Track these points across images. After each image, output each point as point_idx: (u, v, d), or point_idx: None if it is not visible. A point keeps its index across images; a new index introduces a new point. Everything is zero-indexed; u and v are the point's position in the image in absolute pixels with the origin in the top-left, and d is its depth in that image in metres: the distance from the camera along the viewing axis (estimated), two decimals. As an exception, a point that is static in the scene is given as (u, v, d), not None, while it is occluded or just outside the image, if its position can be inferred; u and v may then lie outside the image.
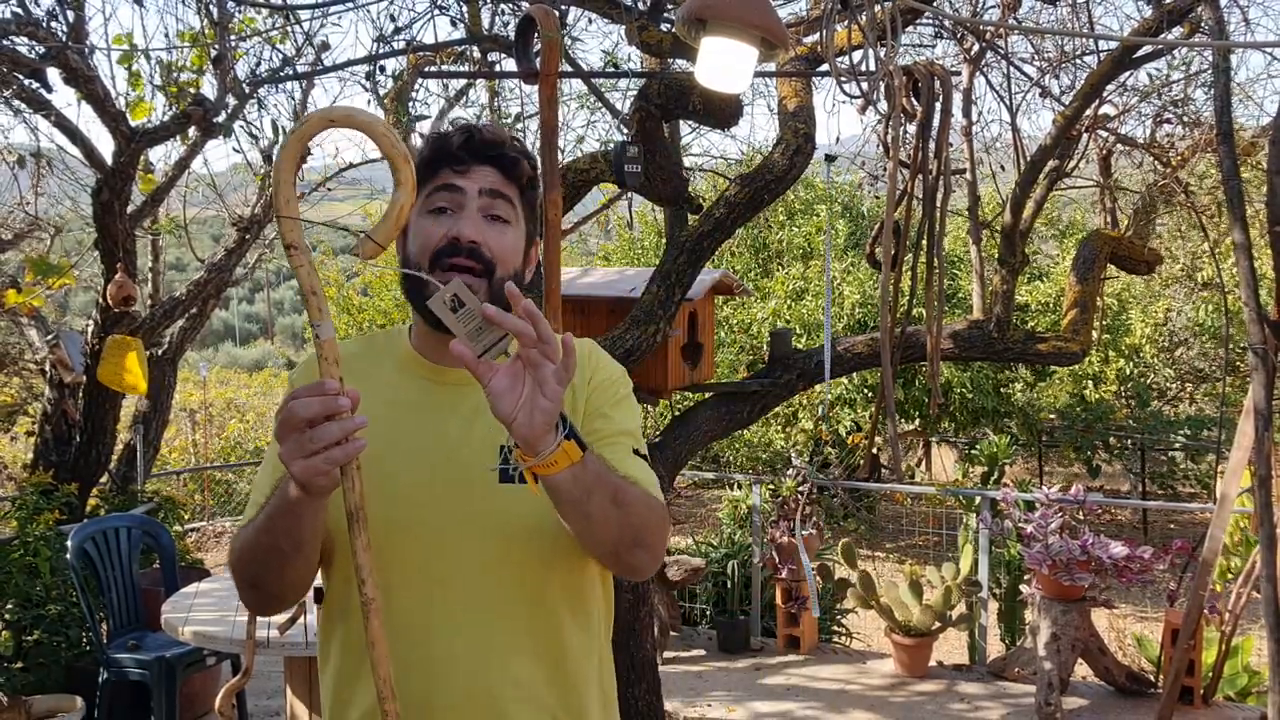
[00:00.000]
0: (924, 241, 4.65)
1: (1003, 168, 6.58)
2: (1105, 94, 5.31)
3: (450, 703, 1.28)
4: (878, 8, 3.58)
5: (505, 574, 1.30)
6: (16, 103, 5.14)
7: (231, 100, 5.28)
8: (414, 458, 1.31)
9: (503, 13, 5.35)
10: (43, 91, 4.96)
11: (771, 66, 5.00)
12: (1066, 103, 5.23)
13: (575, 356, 1.11)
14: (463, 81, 6.46)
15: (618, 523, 1.20)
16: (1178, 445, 11.26)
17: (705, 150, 13.19)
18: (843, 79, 3.84)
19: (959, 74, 5.10)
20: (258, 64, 5.78)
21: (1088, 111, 5.22)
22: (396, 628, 1.27)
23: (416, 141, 6.43)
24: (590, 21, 6.35)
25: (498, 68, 5.46)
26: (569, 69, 4.96)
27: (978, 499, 5.11)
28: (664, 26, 4.41)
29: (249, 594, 1.33)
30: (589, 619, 1.37)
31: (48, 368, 5.53)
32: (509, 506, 1.29)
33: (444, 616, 1.28)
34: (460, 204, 1.31)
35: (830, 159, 5.64)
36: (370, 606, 1.13)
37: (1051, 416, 11.92)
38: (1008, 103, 5.61)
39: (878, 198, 11.02)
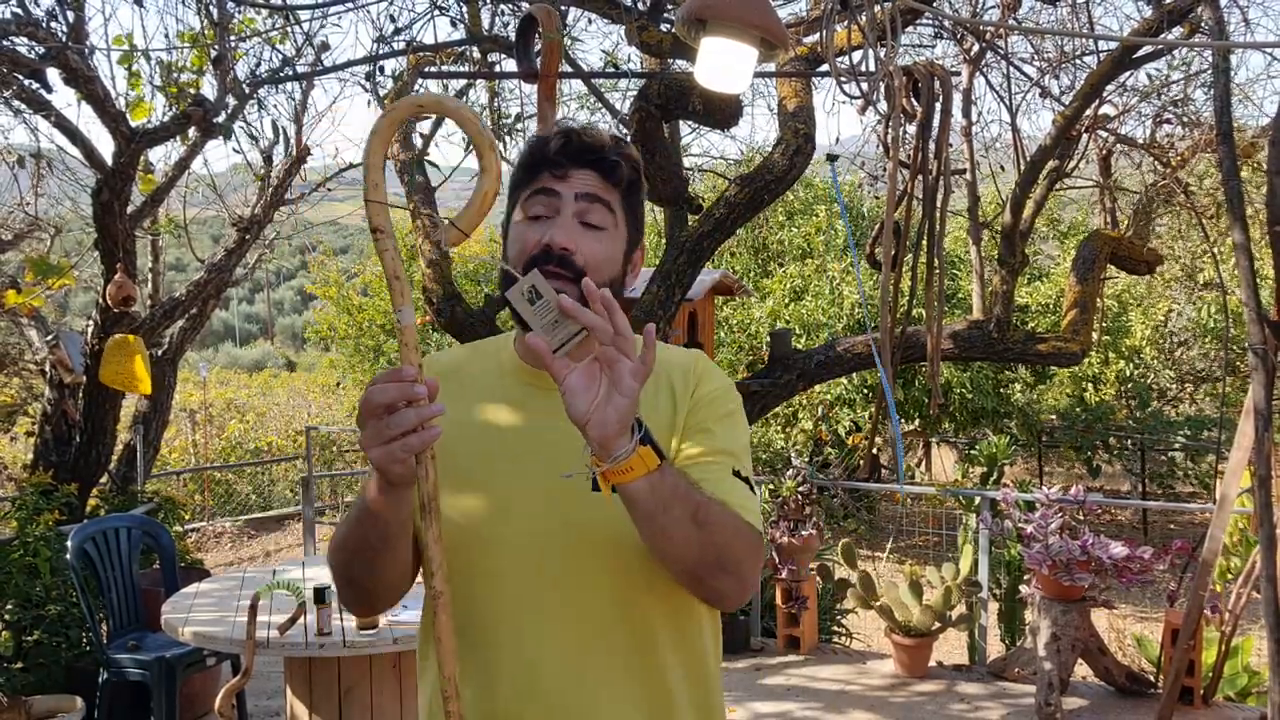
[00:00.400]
0: (924, 241, 4.65)
1: (1003, 168, 6.59)
2: (1105, 94, 5.31)
3: (538, 714, 1.25)
4: (877, 8, 3.58)
5: (598, 588, 1.26)
6: (16, 103, 5.14)
7: (231, 101, 5.28)
8: (510, 463, 1.29)
9: (503, 13, 5.35)
10: (43, 92, 4.96)
11: (771, 67, 5.00)
12: (1066, 103, 5.23)
13: (655, 351, 1.08)
14: (463, 82, 6.46)
15: (698, 543, 1.15)
16: (1178, 445, 11.26)
17: (705, 150, 13.19)
18: (843, 79, 3.83)
19: (959, 74, 5.10)
20: (258, 64, 5.78)
21: (1088, 112, 5.22)
22: (488, 633, 1.26)
23: (416, 141, 6.43)
24: (590, 21, 6.35)
25: (498, 68, 5.46)
26: (569, 69, 4.96)
27: (977, 499, 5.11)
28: (664, 27, 4.41)
29: (346, 591, 1.32)
30: (689, 639, 1.32)
31: (48, 368, 5.53)
32: (603, 517, 1.24)
33: (535, 626, 1.26)
34: (556, 209, 1.27)
35: (833, 159, 5.63)
36: (439, 601, 1.12)
37: (1051, 417, 11.92)
38: (1008, 103, 5.61)
39: (878, 198, 11.02)
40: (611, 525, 1.22)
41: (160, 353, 6.28)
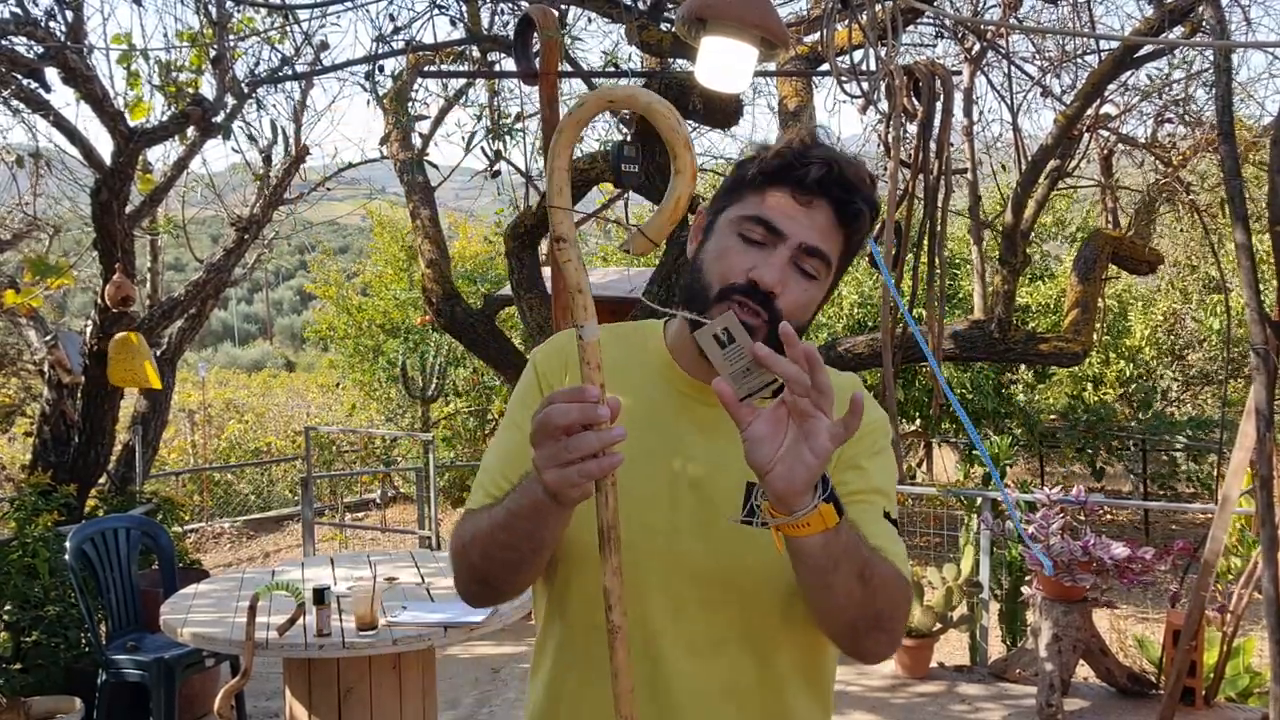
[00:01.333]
0: (925, 241, 4.65)
1: (1004, 167, 6.58)
2: (1106, 93, 5.30)
3: None
4: (878, 7, 3.57)
5: (731, 623, 1.20)
6: (15, 102, 5.13)
7: (230, 100, 5.27)
8: (654, 478, 1.21)
9: (502, 12, 5.34)
10: (41, 91, 4.95)
11: (772, 66, 4.99)
12: (1068, 102, 5.22)
13: (861, 418, 1.01)
14: (462, 81, 6.45)
15: (860, 601, 1.10)
16: (1179, 446, 11.24)
17: (705, 150, 13.15)
18: (843, 78, 3.83)
19: (960, 73, 5.09)
20: (256, 64, 5.77)
21: (1089, 111, 5.21)
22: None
23: (416, 141, 6.42)
24: (590, 21, 6.34)
25: (497, 67, 5.45)
26: (568, 69, 4.95)
27: (979, 500, 5.10)
28: (664, 26, 4.40)
29: (473, 587, 1.26)
30: (819, 685, 1.28)
31: (46, 368, 5.52)
32: (748, 551, 1.18)
33: (666, 653, 1.20)
34: (775, 244, 1.17)
35: None
36: (617, 635, 1.05)
37: (1053, 417, 11.91)
38: (1009, 102, 5.61)
39: (878, 198, 11.00)
40: (751, 558, 1.17)
41: (159, 353, 6.27)
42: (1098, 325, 5.75)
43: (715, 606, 1.20)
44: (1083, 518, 4.63)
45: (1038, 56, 5.94)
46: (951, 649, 5.97)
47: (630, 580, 1.14)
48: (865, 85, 3.83)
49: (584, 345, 1.04)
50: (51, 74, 4.88)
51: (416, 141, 6.39)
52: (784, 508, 1.02)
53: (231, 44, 5.33)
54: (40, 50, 4.74)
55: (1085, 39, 5.42)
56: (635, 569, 1.16)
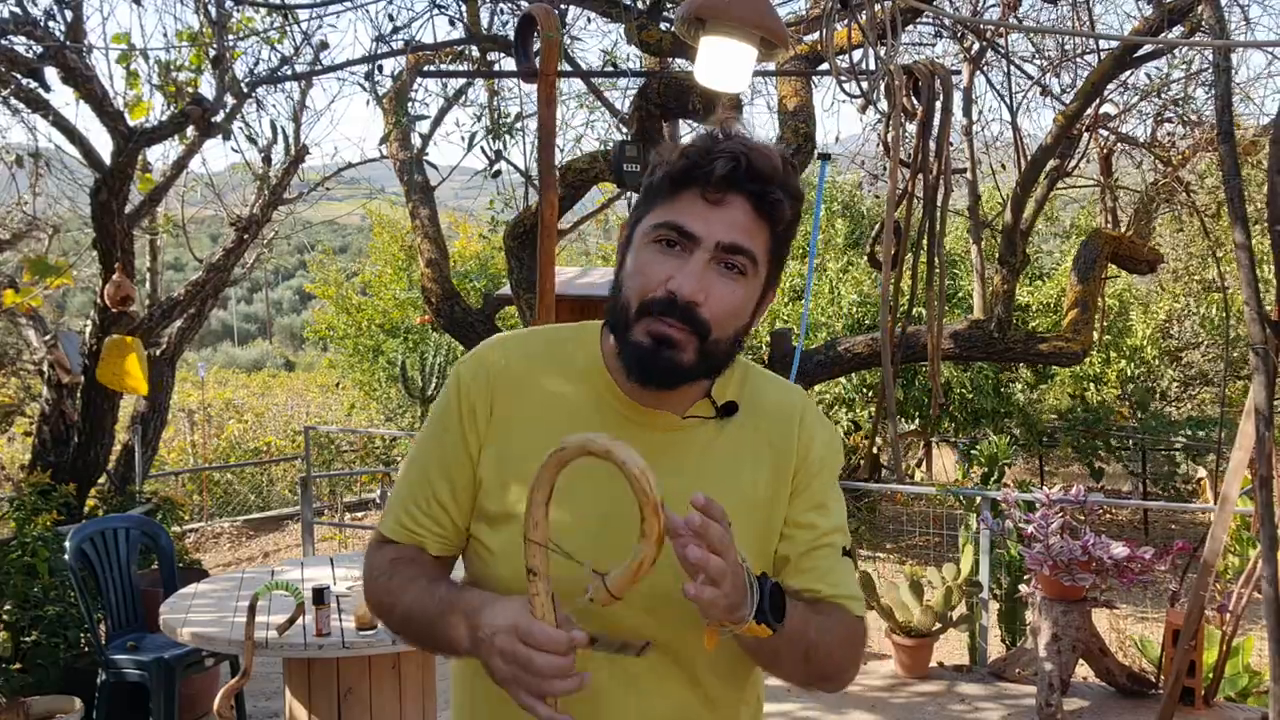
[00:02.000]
0: (924, 241, 4.64)
1: (1003, 167, 6.58)
2: (1106, 93, 5.31)
3: None
4: (878, 7, 3.57)
5: (667, 667, 1.19)
6: (15, 102, 5.13)
7: (230, 100, 5.27)
8: (585, 506, 1.16)
9: (501, 12, 5.34)
10: (41, 91, 4.95)
11: (771, 65, 4.99)
12: (1067, 102, 5.22)
13: (740, 592, 1.01)
14: (462, 81, 6.45)
15: (804, 671, 1.16)
16: (1179, 445, 11.25)
17: (705, 150, 13.16)
18: (843, 78, 3.83)
19: (959, 73, 5.10)
20: (256, 63, 5.77)
21: (1088, 110, 5.21)
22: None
23: (415, 140, 6.42)
24: (589, 21, 6.34)
25: (497, 67, 5.45)
26: (568, 68, 4.95)
27: (978, 499, 5.10)
28: (663, 26, 4.41)
29: (392, 630, 1.28)
30: (743, 683, 1.28)
31: (45, 368, 5.52)
32: (679, 584, 1.14)
33: (604, 687, 1.17)
34: (691, 249, 1.11)
35: (824, 158, 5.62)
36: None
37: (1053, 417, 11.91)
38: (1008, 102, 5.61)
39: (878, 197, 11.01)
40: (683, 605, 1.14)
41: (158, 353, 6.27)
42: (1098, 324, 5.75)
43: (673, 644, 1.18)
44: (1082, 517, 4.63)
45: (1037, 56, 5.95)
46: (951, 649, 5.97)
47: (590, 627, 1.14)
48: (865, 85, 3.83)
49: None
50: (51, 73, 4.88)
51: (416, 141, 6.38)
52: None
53: (231, 44, 5.33)
54: (40, 50, 4.74)
55: (1085, 38, 5.42)
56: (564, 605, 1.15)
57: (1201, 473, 6.85)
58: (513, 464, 1.19)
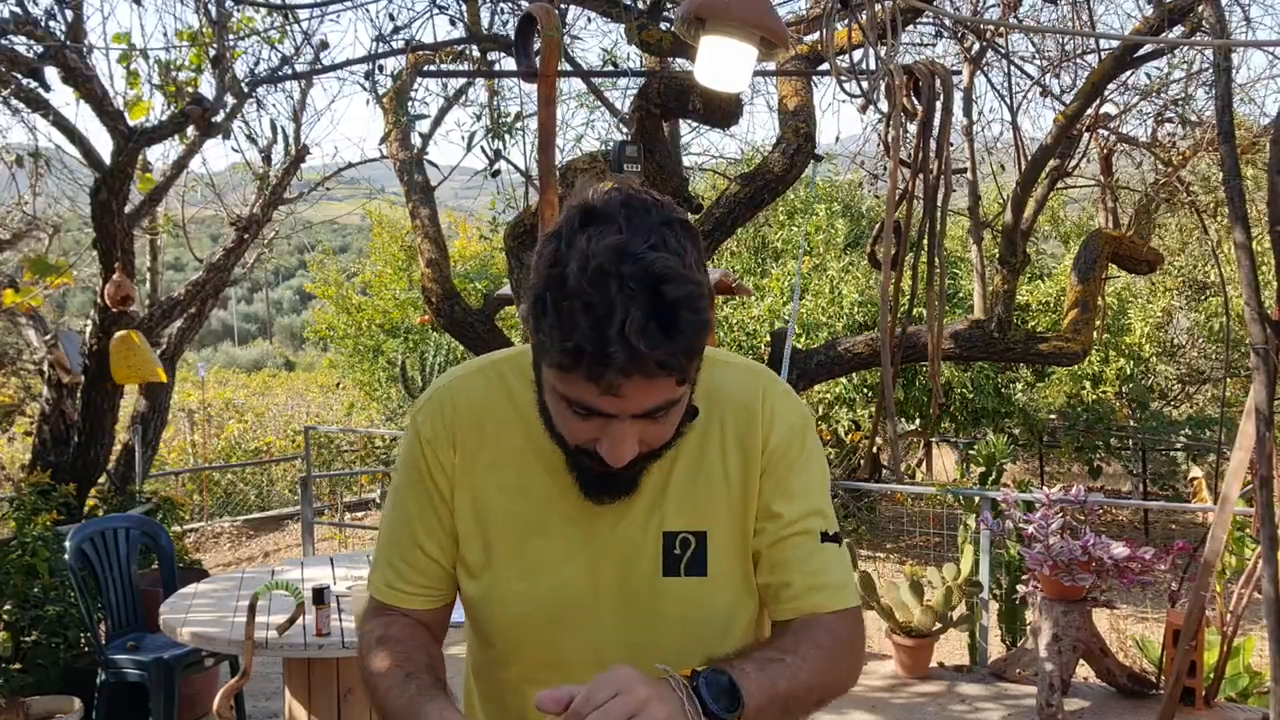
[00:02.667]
0: (924, 241, 4.64)
1: (1003, 167, 6.58)
2: (1106, 93, 5.30)
3: None
4: (878, 6, 3.57)
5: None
6: (15, 102, 5.13)
7: (230, 99, 5.27)
8: (567, 544, 1.16)
9: (502, 11, 5.34)
10: (41, 90, 4.95)
11: (771, 65, 4.99)
12: (1068, 102, 5.22)
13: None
14: (462, 81, 6.45)
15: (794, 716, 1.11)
16: (1179, 446, 11.24)
17: (705, 149, 13.19)
18: (843, 78, 3.82)
19: (960, 73, 5.10)
20: (256, 63, 5.77)
21: (1089, 111, 5.21)
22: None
23: (415, 140, 6.42)
24: (590, 20, 6.34)
25: (497, 67, 5.45)
26: (568, 68, 4.95)
27: (978, 499, 5.10)
28: (663, 25, 4.40)
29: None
30: None
31: (46, 368, 5.52)
32: (671, 604, 1.15)
33: None
34: (608, 418, 1.03)
35: (818, 159, 5.61)
36: None
37: (1052, 416, 11.91)
38: (1009, 102, 5.61)
39: (878, 197, 11.01)
40: (676, 610, 1.16)
41: (159, 352, 6.27)
42: (1097, 324, 5.75)
43: (658, 662, 1.17)
44: (1082, 517, 4.63)
45: (1037, 56, 5.95)
46: (951, 649, 5.97)
47: (561, 658, 1.16)
48: (865, 85, 3.82)
49: None
50: (51, 73, 4.88)
51: (416, 141, 6.38)
52: None
53: (231, 43, 5.33)
54: (40, 49, 4.74)
55: (1085, 38, 5.42)
56: (563, 646, 1.17)
57: (1196, 471, 6.85)
58: (483, 509, 1.19)
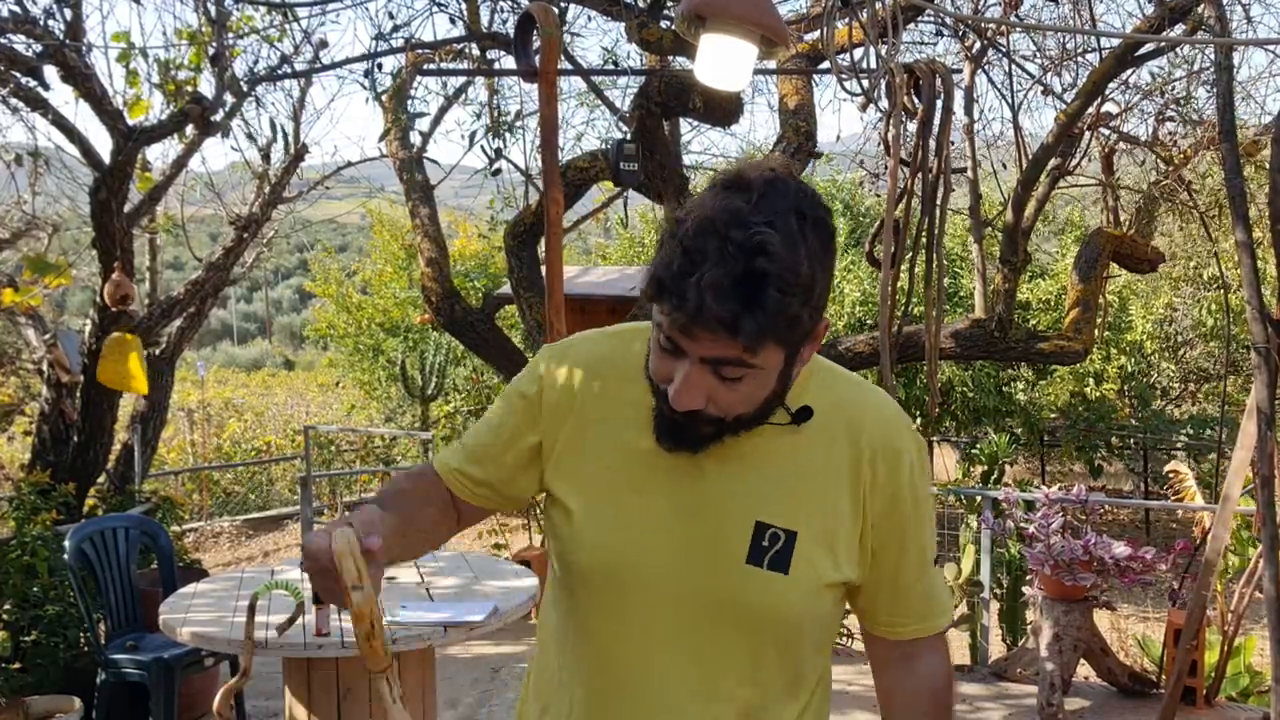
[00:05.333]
0: (924, 240, 4.64)
1: (1004, 166, 6.57)
2: (1107, 92, 5.29)
3: None
4: (878, 5, 3.56)
5: (729, 657, 1.21)
6: (14, 101, 5.12)
7: (229, 98, 5.26)
8: (652, 502, 1.20)
9: (501, 10, 5.33)
10: (40, 89, 4.94)
11: (772, 64, 4.98)
12: (1068, 100, 5.21)
13: None
14: (461, 79, 6.44)
15: None
16: (1180, 445, 11.24)
17: (705, 148, 13.16)
18: (844, 76, 3.82)
19: (960, 71, 5.09)
20: (256, 62, 5.76)
21: (1090, 109, 5.20)
22: (618, 672, 1.23)
23: (415, 139, 6.41)
24: (590, 19, 6.33)
25: (497, 65, 5.44)
26: (568, 66, 4.95)
27: (979, 499, 5.09)
28: (664, 24, 4.40)
29: None
30: (801, 693, 1.28)
31: (45, 367, 5.51)
32: (750, 590, 1.18)
33: (659, 679, 1.21)
34: (680, 355, 1.09)
35: (816, 156, 5.59)
36: None
37: (1053, 416, 11.90)
38: (1009, 100, 5.60)
39: (878, 196, 11.00)
40: (753, 598, 1.18)
41: (158, 352, 6.26)
42: (1099, 323, 5.74)
43: (717, 647, 1.20)
44: (1083, 517, 4.62)
45: (1039, 54, 5.94)
46: (952, 648, 5.97)
47: (630, 613, 1.20)
48: (865, 83, 3.82)
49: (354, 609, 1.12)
50: (50, 72, 4.87)
51: (415, 140, 6.37)
52: None
53: (230, 42, 5.32)
54: (39, 48, 4.73)
55: (1086, 37, 5.41)
56: (635, 601, 1.20)
57: (1178, 466, 6.83)
58: (588, 459, 1.24)
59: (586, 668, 1.25)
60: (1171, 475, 6.84)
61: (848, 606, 1.30)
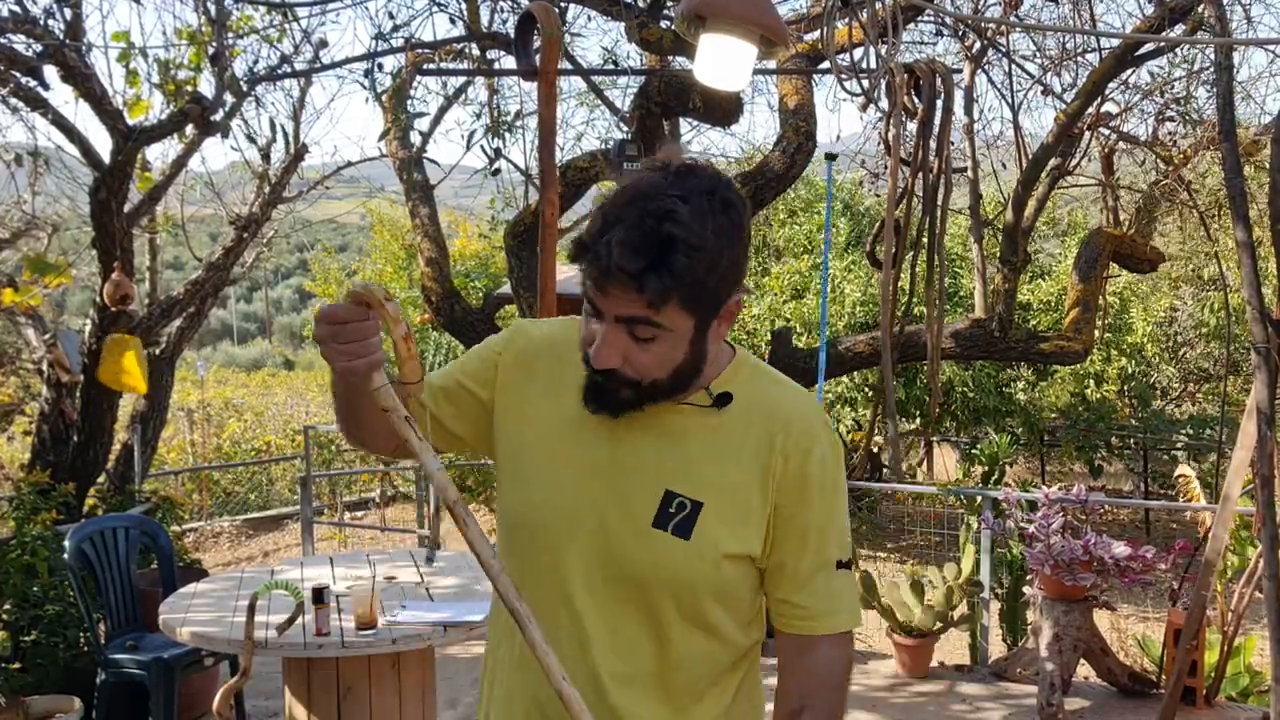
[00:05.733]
0: (924, 240, 4.64)
1: (1004, 165, 6.57)
2: (1107, 92, 5.30)
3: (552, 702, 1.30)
4: (879, 5, 3.57)
5: (634, 612, 1.29)
6: (14, 100, 5.12)
7: (229, 98, 5.25)
8: (575, 465, 1.31)
9: (501, 10, 5.33)
10: (40, 89, 4.94)
11: (772, 64, 4.98)
12: (1068, 100, 5.21)
13: None
14: (461, 79, 6.44)
15: None
16: (1180, 445, 11.23)
17: (705, 148, 13.14)
18: (843, 76, 3.82)
19: (960, 71, 5.09)
20: (256, 62, 5.76)
21: (1090, 109, 5.21)
22: (545, 621, 1.32)
23: (415, 139, 6.41)
24: (590, 19, 6.33)
25: (497, 65, 5.44)
26: (568, 66, 4.94)
27: (979, 499, 5.09)
28: (664, 24, 4.40)
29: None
30: (721, 675, 1.36)
31: (45, 367, 5.51)
32: (652, 552, 1.27)
33: (578, 629, 1.30)
34: (600, 316, 1.22)
35: (831, 157, 5.61)
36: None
37: (1054, 416, 11.90)
38: (1009, 100, 5.60)
39: (878, 196, 11.01)
40: (656, 560, 1.27)
41: (158, 352, 6.26)
42: (1099, 323, 5.74)
43: (620, 605, 1.29)
44: (1083, 517, 4.62)
45: (1038, 54, 5.94)
46: (952, 648, 5.97)
47: (550, 564, 1.30)
48: (865, 83, 3.82)
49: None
50: (50, 72, 4.86)
51: (415, 139, 6.37)
52: None
53: (230, 42, 5.32)
54: (39, 48, 4.73)
55: (1086, 37, 5.41)
56: (553, 553, 1.30)
57: (1185, 470, 6.83)
58: (527, 428, 1.36)
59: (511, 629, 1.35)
60: (1180, 480, 6.85)
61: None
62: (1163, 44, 4.99)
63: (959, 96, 4.92)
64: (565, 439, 1.32)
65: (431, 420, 1.41)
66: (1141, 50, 4.90)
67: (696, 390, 1.29)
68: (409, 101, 5.72)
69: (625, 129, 4.71)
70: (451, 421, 1.42)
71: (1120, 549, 4.24)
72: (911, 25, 5.52)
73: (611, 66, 6.16)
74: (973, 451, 9.04)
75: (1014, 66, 5.57)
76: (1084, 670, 4.61)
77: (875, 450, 10.97)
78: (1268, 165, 3.55)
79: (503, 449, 1.38)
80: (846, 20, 4.32)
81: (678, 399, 1.28)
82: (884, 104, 4.18)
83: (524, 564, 1.33)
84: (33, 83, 4.90)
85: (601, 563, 1.28)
